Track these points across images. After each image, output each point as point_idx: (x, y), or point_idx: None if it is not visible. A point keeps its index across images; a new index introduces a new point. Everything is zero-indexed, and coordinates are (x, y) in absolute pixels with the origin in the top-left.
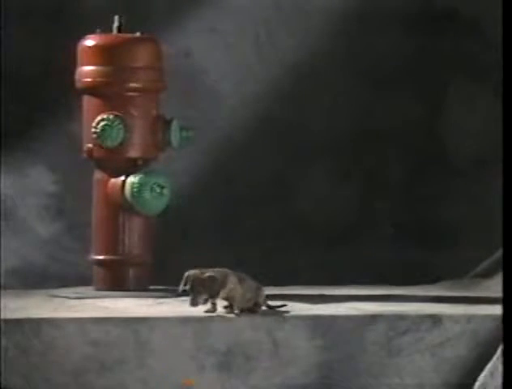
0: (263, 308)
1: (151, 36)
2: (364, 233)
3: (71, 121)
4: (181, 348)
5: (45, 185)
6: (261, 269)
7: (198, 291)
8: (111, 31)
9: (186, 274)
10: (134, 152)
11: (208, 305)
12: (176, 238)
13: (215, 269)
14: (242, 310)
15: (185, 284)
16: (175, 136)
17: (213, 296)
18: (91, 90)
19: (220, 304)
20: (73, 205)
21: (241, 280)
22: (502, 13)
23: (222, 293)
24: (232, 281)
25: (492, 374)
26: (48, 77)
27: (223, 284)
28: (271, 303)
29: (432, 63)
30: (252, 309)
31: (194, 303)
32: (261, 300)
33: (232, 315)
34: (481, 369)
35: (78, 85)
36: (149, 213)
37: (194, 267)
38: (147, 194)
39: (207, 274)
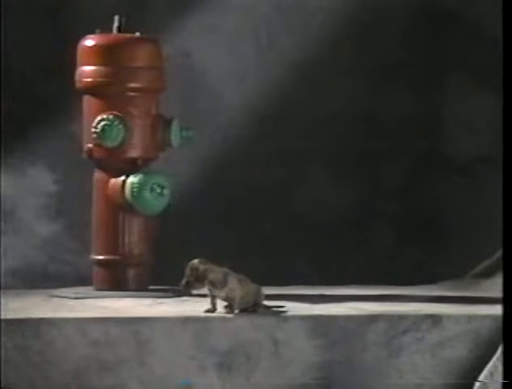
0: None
1: (151, 36)
2: (363, 233)
3: (71, 121)
4: (181, 348)
5: (45, 185)
6: (261, 269)
7: (196, 279)
8: (111, 31)
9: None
10: (134, 152)
11: (208, 305)
12: (176, 238)
13: (216, 267)
14: (241, 311)
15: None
16: (175, 136)
17: (196, 285)
18: (91, 90)
19: (220, 304)
20: (73, 205)
21: (240, 281)
22: (502, 13)
23: (222, 293)
24: (233, 282)
25: (492, 374)
26: (48, 77)
27: (223, 283)
28: (268, 303)
29: (432, 63)
30: (253, 309)
31: (186, 291)
32: (261, 300)
33: (231, 315)
34: (481, 369)
35: (78, 85)
36: (149, 213)
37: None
38: (147, 194)
39: (205, 266)
